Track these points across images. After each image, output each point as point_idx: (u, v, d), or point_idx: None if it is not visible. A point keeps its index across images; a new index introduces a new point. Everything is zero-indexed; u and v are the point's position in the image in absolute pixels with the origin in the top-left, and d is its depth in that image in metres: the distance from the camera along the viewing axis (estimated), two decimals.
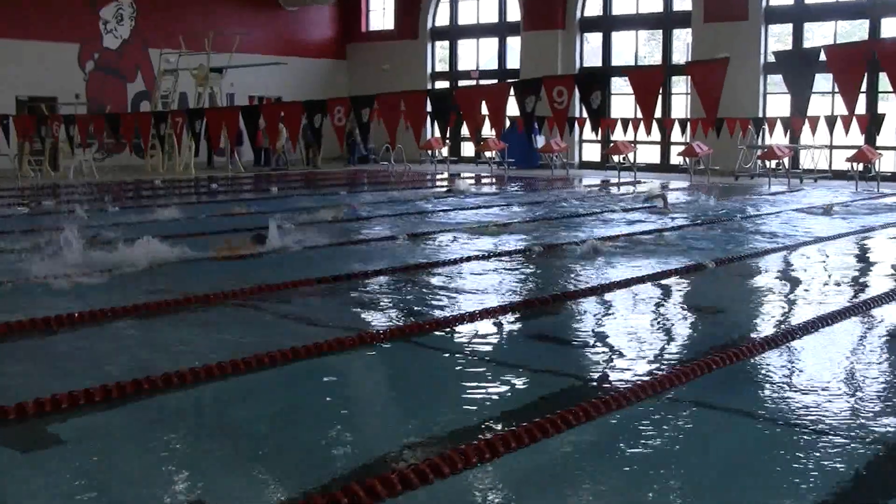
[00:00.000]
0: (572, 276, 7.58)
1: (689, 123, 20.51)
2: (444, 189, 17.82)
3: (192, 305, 6.29)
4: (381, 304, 6.55)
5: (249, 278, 7.28)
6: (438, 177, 22.33)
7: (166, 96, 23.27)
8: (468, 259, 8.38)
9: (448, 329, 5.69)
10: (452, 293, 6.84)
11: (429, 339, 5.46)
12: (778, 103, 21.58)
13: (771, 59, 20.84)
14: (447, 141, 21.69)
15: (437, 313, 6.12)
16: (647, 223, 11.46)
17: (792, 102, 19.20)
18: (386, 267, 7.87)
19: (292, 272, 7.59)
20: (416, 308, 6.36)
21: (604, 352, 5.26)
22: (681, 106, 23.32)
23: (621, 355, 5.12)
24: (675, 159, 22.58)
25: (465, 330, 5.70)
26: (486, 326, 5.83)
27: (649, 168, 22.50)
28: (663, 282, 7.40)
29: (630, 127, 20.78)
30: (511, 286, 7.12)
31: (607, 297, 6.77)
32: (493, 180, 20.42)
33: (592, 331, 5.88)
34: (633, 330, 5.73)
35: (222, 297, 6.52)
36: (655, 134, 20.47)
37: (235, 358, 4.78)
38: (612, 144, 21.55)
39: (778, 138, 20.13)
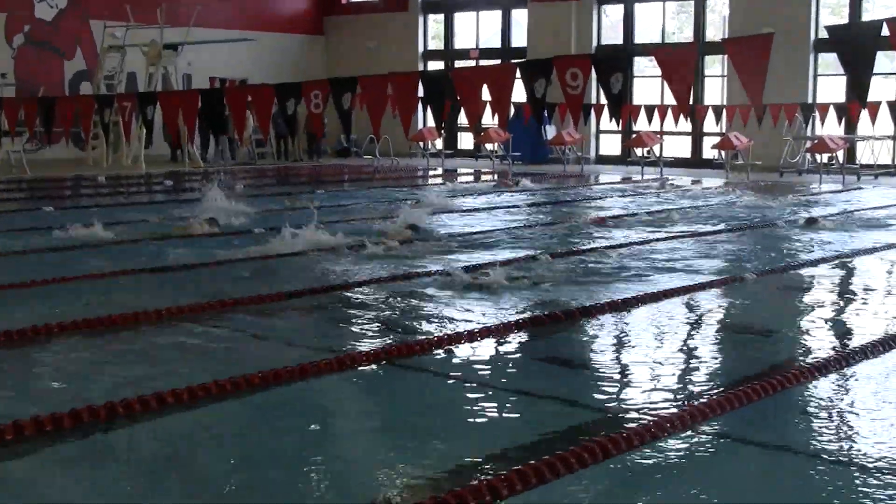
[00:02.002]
0: (591, 289, 7.61)
1: (724, 111, 20.62)
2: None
3: (135, 324, 6.31)
4: (364, 320, 6.58)
5: (206, 291, 7.30)
6: (431, 173, 22.38)
7: (111, 77, 23.30)
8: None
9: (442, 350, 5.71)
10: (448, 309, 6.87)
11: (419, 362, 5.48)
12: (831, 87, 21.66)
13: (823, 34, 20.93)
14: (442, 131, 21.83)
15: (429, 332, 6.14)
16: (675, 225, 11.54)
17: (848, 85, 19.34)
18: (368, 278, 7.91)
19: (258, 284, 7.61)
20: (405, 325, 6.39)
21: (623, 377, 5.28)
22: (715, 90, 23.44)
23: (644, 381, 5.15)
24: (709, 153, 22.68)
25: (462, 351, 5.73)
26: (486, 347, 5.86)
27: (677, 163, 22.60)
28: (695, 296, 7.44)
29: (656, 115, 20.88)
30: (516, 301, 7.14)
31: (629, 313, 6.80)
32: (497, 178, 20.48)
33: (610, 352, 5.91)
34: (658, 352, 5.76)
35: (174, 313, 6.55)
36: (685, 123, 20.55)
37: (192, 384, 4.79)
38: (634, 136, 21.65)
39: (831, 128, 20.22)
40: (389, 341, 5.95)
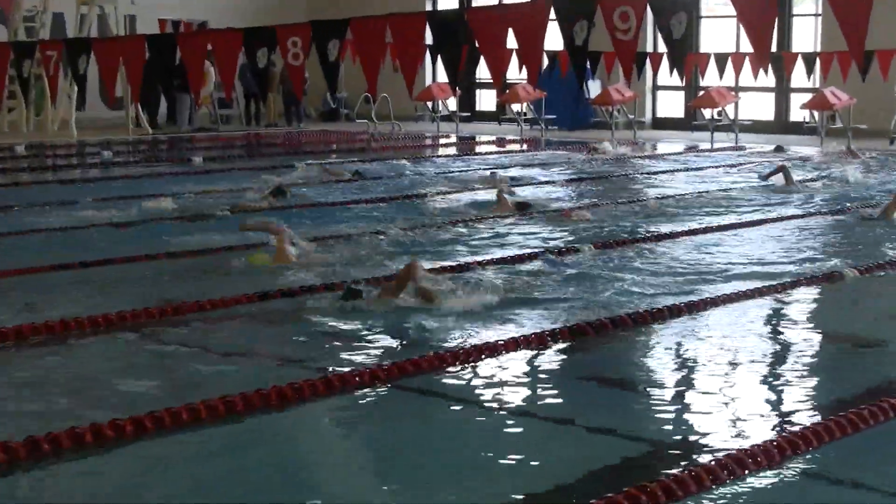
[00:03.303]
0: (647, 290, 7.62)
1: (818, 60, 20.53)
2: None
3: (65, 333, 6.36)
4: (354, 330, 6.60)
5: (151, 294, 7.34)
6: (443, 141, 22.41)
7: (31, 19, 23.35)
8: (494, 261, 8.43)
9: (458, 367, 5.73)
10: (465, 313, 6.89)
11: (427, 383, 5.50)
12: None
13: None
14: (456, 89, 21.73)
15: (441, 343, 6.16)
16: (755, 208, 11.54)
17: None
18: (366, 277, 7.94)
19: (220, 286, 7.65)
20: (409, 335, 6.40)
21: (690, 401, 5.29)
22: (806, 34, 23.37)
23: (717, 407, 5.15)
24: (798, 114, 22.63)
25: (483, 369, 5.74)
26: (515, 364, 5.88)
27: (757, 127, 22.54)
28: (781, 298, 7.44)
29: (729, 66, 20.82)
30: (551, 305, 7.16)
31: (696, 320, 6.80)
32: (526, 146, 20.50)
33: (673, 370, 5.92)
34: (734, 369, 5.76)
35: (113, 320, 6.60)
36: (767, 77, 20.45)
37: (137, 414, 4.81)
38: (701, 93, 21.62)
39: None
40: (390, 356, 5.96)
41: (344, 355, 6.07)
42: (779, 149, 19.32)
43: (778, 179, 13.67)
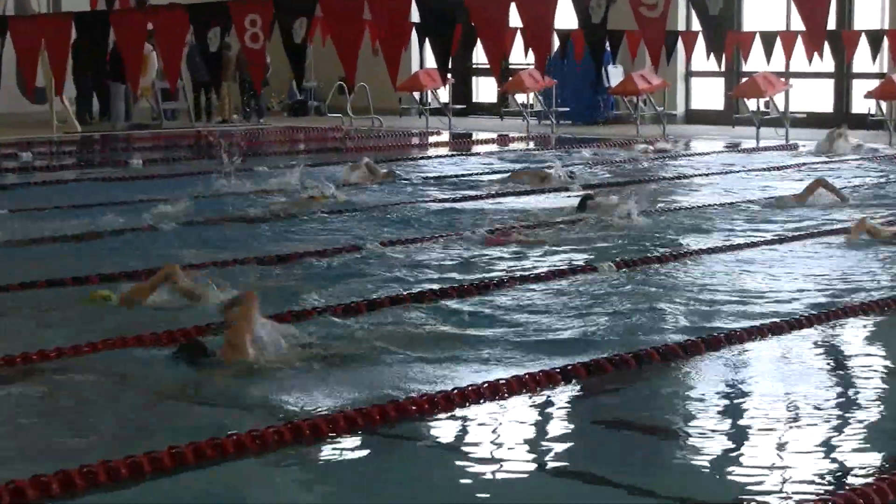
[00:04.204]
0: (676, 316, 7.65)
1: (885, 39, 20.55)
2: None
3: None
4: (324, 366, 6.58)
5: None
6: (433, 139, 22.40)
7: None
8: (489, 286, 8.47)
9: (454, 411, 5.73)
10: (458, 343, 6.93)
11: (414, 431, 5.51)
12: None
13: None
14: (448, 76, 21.74)
15: (432, 382, 6.18)
16: (807, 220, 11.60)
17: None
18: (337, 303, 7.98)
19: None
20: (393, 370, 6.42)
21: (729, 451, 5.29)
22: (871, 8, 23.40)
23: (761, 460, 5.15)
24: (861, 104, 22.69)
25: (483, 413, 5.75)
26: (520, 406, 5.89)
27: (811, 121, 22.51)
28: (839, 325, 7.47)
29: (778, 47, 20.82)
30: (562, 336, 7.21)
31: (737, 353, 6.83)
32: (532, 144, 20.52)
33: (709, 413, 5.92)
34: (783, 412, 5.78)
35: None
36: (822, 60, 20.45)
37: (66, 469, 4.81)
38: (744, 80, 21.62)
39: None
40: (369, 397, 5.96)
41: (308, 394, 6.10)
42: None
43: (820, 197, 13.01)
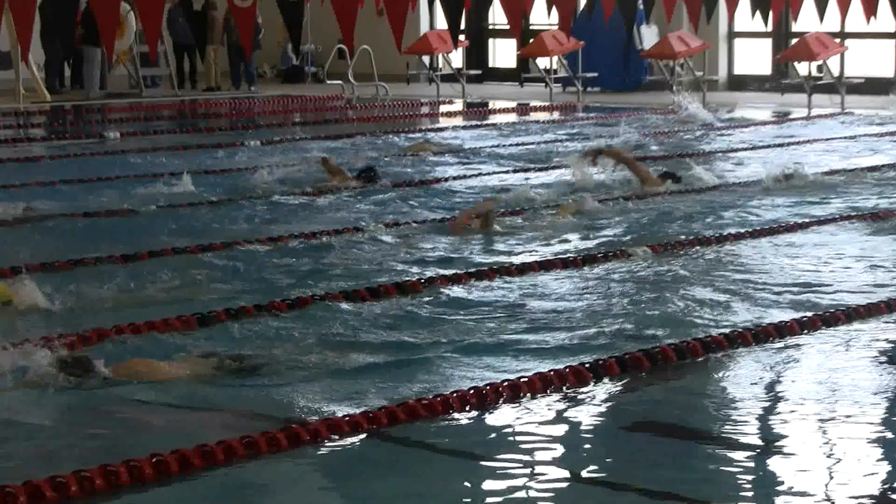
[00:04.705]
0: (714, 307, 7.65)
1: None
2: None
3: None
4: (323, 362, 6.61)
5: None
6: (446, 108, 22.40)
7: None
8: (501, 271, 8.51)
9: (467, 411, 5.75)
10: (474, 336, 6.94)
11: (423, 433, 5.52)
12: None
13: None
14: (461, 38, 21.76)
15: (442, 381, 6.20)
16: (865, 197, 11.58)
17: None
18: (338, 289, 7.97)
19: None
20: (397, 373, 6.42)
21: (778, 457, 5.28)
22: None
23: (811, 466, 5.15)
24: None
25: (499, 415, 5.76)
26: (540, 408, 5.89)
27: (868, 87, 22.51)
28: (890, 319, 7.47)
29: (832, 5, 20.77)
30: (590, 329, 7.21)
31: (777, 349, 6.82)
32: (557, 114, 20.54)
33: (755, 413, 5.92)
34: (836, 414, 5.76)
35: None
36: (881, 20, 20.42)
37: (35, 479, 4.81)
38: (795, 42, 21.61)
39: None
40: (375, 398, 5.97)
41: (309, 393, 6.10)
42: None
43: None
